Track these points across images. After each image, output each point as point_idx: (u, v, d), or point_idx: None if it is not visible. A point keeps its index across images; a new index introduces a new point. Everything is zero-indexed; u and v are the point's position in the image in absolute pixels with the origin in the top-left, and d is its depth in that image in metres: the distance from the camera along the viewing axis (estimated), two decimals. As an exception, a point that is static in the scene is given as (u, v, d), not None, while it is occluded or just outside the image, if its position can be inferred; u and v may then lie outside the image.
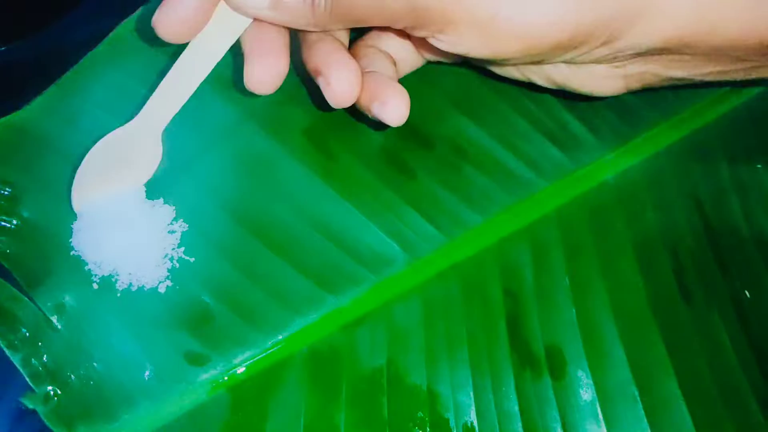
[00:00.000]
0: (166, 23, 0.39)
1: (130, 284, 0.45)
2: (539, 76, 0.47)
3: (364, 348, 0.47)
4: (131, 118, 0.44)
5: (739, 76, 0.47)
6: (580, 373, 0.49)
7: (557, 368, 0.49)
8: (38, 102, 0.48)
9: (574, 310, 0.50)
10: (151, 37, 0.41)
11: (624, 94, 0.55)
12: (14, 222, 0.45)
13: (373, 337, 0.47)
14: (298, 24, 0.40)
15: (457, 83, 0.54)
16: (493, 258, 0.51)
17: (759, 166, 0.56)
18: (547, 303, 0.50)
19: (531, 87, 0.49)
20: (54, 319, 0.43)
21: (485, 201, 0.52)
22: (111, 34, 0.50)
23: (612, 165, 0.54)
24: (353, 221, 0.49)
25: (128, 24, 0.50)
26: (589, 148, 0.54)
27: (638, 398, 0.48)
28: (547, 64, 0.45)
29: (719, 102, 0.57)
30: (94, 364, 0.43)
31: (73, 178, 0.44)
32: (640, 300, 0.51)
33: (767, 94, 0.58)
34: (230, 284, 0.46)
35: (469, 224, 0.51)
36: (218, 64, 0.42)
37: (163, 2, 0.39)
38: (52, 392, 0.42)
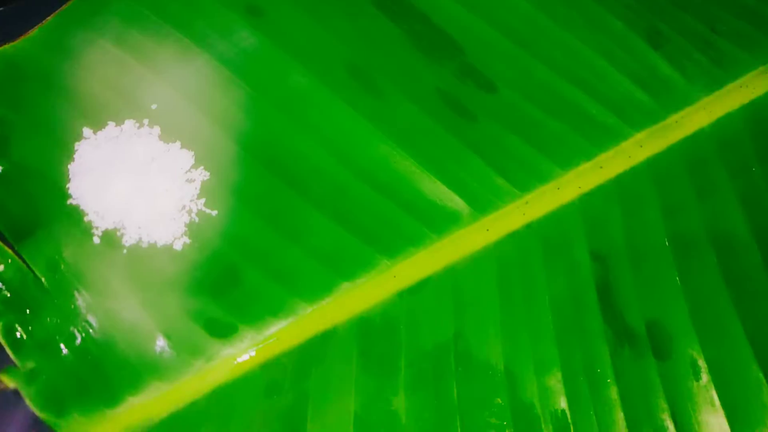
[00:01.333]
0: None
1: (140, 239, 0.36)
2: None
3: (426, 319, 0.38)
4: (149, 53, 0.37)
5: None
6: (690, 351, 0.39)
7: (662, 345, 0.39)
8: (35, 34, 0.40)
9: (677, 277, 0.40)
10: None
11: (711, 35, 0.47)
12: (0, 165, 0.36)
13: (436, 305, 0.38)
14: None
15: (520, 18, 0.46)
16: (576, 215, 0.42)
17: None
18: (644, 268, 0.41)
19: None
20: (44, 279, 0.34)
21: (562, 149, 0.43)
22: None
23: (707, 111, 0.45)
24: (406, 169, 0.40)
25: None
26: (679, 92, 0.45)
27: (765, 381, 0.38)
28: None
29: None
30: (93, 334, 0.34)
31: (74, 119, 0.36)
32: (755, 264, 0.41)
33: None
34: (261, 241, 0.37)
35: (544, 175, 0.42)
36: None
37: None
38: (38, 368, 0.33)
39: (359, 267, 0.38)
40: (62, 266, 0.35)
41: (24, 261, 0.34)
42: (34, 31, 0.40)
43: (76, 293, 0.35)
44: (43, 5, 0.41)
